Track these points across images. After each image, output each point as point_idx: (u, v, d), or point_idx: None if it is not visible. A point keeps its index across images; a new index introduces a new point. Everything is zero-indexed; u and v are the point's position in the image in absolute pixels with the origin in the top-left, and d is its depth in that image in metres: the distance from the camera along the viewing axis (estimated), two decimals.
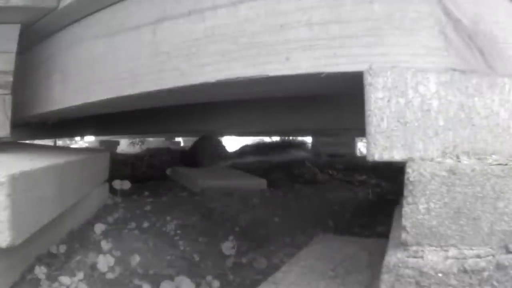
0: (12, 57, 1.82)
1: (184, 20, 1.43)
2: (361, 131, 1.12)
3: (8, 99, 1.81)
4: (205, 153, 4.36)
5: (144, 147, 7.10)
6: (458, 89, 1.09)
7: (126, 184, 2.54)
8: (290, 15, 1.24)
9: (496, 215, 0.99)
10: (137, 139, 7.66)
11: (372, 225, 2.24)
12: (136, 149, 7.17)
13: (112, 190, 2.56)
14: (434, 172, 1.01)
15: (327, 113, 3.00)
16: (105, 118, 3.14)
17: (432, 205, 1.01)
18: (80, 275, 1.54)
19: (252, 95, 1.91)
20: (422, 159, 1.07)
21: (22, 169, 1.33)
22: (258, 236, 2.13)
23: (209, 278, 1.65)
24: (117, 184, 2.52)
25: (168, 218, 2.24)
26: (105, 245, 1.80)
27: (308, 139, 5.68)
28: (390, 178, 3.25)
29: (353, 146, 5.53)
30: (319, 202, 2.72)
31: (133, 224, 2.12)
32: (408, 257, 1.01)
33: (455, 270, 0.97)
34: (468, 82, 1.09)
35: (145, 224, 2.14)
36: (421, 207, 1.02)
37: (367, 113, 1.10)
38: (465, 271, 0.97)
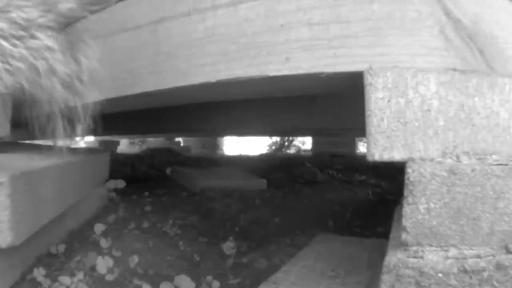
0: None
1: (184, 20, 1.43)
2: (361, 131, 1.12)
3: (8, 99, 1.80)
4: None
5: (144, 147, 7.10)
6: (458, 89, 1.09)
7: (121, 183, 2.54)
8: (290, 15, 1.24)
9: (496, 215, 0.99)
10: (137, 139, 7.66)
11: (372, 225, 2.24)
12: (136, 149, 7.17)
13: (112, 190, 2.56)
14: (434, 172, 1.01)
15: (327, 113, 3.00)
16: (105, 118, 3.13)
17: (432, 205, 1.01)
18: (80, 275, 1.54)
19: (252, 95, 1.91)
20: (422, 159, 1.07)
21: (22, 169, 1.33)
22: (258, 236, 2.13)
23: (209, 278, 1.65)
24: (111, 184, 2.53)
25: (168, 218, 2.24)
26: (104, 245, 1.80)
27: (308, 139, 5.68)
28: (390, 178, 3.25)
29: (353, 146, 5.53)
30: (319, 202, 2.72)
31: (133, 224, 2.12)
32: (408, 257, 1.01)
33: (455, 270, 0.97)
34: (468, 82, 1.09)
35: (145, 224, 2.14)
36: (421, 207, 1.02)
37: (367, 113, 1.10)
38: (465, 271, 0.97)
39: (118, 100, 1.70)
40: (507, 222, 0.98)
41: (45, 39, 1.34)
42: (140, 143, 7.73)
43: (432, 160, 1.07)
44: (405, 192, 1.04)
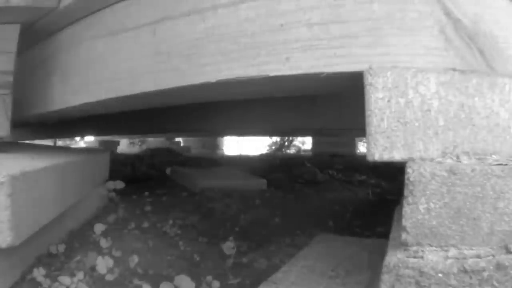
0: (12, 57, 1.82)
1: (184, 20, 1.43)
2: (361, 131, 1.12)
3: (8, 99, 1.80)
4: None
5: (144, 147, 7.11)
6: (458, 89, 1.09)
7: (120, 184, 2.54)
8: (290, 15, 1.24)
9: (496, 215, 0.99)
10: (137, 139, 7.68)
11: (372, 225, 2.24)
12: (136, 149, 7.18)
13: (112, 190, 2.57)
14: (434, 172, 1.01)
15: (327, 113, 3.00)
16: (105, 118, 3.14)
17: (432, 205, 1.01)
18: (80, 275, 1.54)
19: (252, 95, 1.91)
20: (422, 159, 1.07)
21: (22, 169, 1.33)
22: (258, 236, 2.13)
23: (209, 278, 1.65)
24: (111, 184, 2.53)
25: (168, 218, 2.25)
26: (104, 245, 1.80)
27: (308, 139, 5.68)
28: (390, 178, 3.25)
29: (353, 146, 5.54)
30: (319, 202, 2.72)
31: (133, 224, 2.12)
32: (408, 257, 1.01)
33: (455, 270, 0.97)
34: (468, 82, 1.09)
35: (145, 224, 2.14)
36: (421, 207, 1.02)
37: (367, 113, 1.10)
38: (465, 271, 0.97)
39: (118, 100, 1.70)
40: (507, 222, 0.98)
41: None
42: (140, 143, 7.75)
43: (432, 160, 1.07)
44: (405, 192, 1.04)
